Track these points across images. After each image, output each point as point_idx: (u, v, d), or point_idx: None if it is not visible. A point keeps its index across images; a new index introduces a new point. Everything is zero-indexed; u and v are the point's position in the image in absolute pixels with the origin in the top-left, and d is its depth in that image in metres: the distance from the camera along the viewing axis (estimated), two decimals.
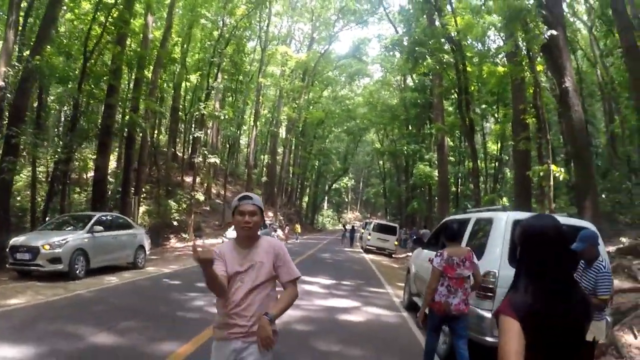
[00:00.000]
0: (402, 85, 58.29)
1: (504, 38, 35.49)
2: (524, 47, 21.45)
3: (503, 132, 36.34)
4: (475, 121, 40.40)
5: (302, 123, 69.52)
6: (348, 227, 50.69)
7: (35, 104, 27.29)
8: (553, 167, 17.19)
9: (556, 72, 17.66)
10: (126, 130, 29.05)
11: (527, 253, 2.45)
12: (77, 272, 13.85)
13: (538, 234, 2.43)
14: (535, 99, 22.41)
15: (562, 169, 18.44)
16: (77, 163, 29.18)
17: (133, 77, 31.37)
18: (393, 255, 34.02)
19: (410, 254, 33.93)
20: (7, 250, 13.86)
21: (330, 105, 70.98)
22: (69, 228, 15.22)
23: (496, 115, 40.26)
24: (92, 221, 15.19)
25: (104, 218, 16.30)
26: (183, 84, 43.91)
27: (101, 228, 15.14)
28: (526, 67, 20.81)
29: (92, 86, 25.48)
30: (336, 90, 76.44)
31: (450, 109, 41.96)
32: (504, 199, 39.26)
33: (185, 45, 41.98)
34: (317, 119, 68.92)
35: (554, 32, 16.73)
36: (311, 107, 67.57)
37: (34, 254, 13.29)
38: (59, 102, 29.60)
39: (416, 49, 28.78)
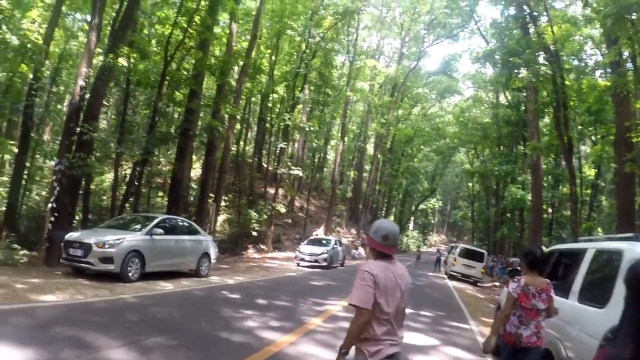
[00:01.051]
0: (494, 102, 56.04)
1: (602, 52, 33.56)
2: (629, 56, 19.58)
3: (601, 155, 33.65)
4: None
5: (390, 140, 68.22)
6: (432, 249, 49.07)
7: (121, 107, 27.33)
8: None
9: None
10: (206, 136, 28.78)
11: (636, 301, 2.22)
12: (130, 274, 13.08)
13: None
14: None
15: None
16: (157, 166, 29.27)
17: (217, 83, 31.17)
18: (478, 284, 31.98)
19: (497, 283, 32.11)
20: (62, 244, 13.39)
21: (420, 123, 69.40)
22: (130, 228, 14.49)
23: (593, 137, 37.72)
24: (153, 223, 14.42)
25: (167, 221, 15.60)
26: (270, 96, 43.61)
27: (161, 231, 14.31)
28: (631, 78, 18.90)
29: (172, 90, 25.21)
30: (426, 107, 75.06)
31: (545, 129, 39.81)
32: (599, 229, 36.50)
33: (272, 57, 41.67)
34: (406, 136, 67.37)
35: None
36: (400, 124, 66.06)
37: (85, 251, 12.70)
38: (144, 106, 29.49)
39: (510, 59, 27.03)
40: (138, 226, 14.51)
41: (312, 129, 39.70)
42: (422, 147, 75.82)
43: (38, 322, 7.60)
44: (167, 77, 23.99)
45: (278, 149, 41.33)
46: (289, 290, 15.36)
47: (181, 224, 16.64)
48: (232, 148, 36.74)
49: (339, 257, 30.77)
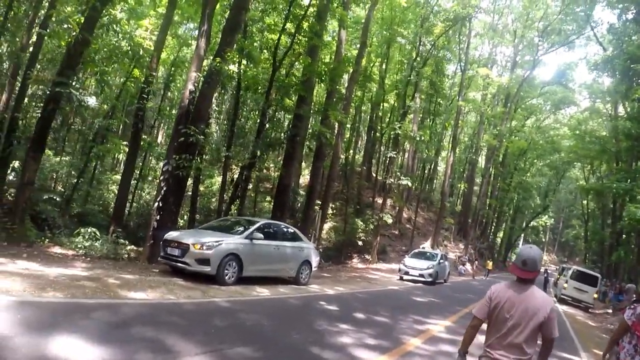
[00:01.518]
0: (613, 114, 52.85)
1: None
2: None
3: None
4: None
5: (503, 152, 66.05)
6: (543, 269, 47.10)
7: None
8: None
9: None
10: (315, 143, 28.74)
11: None
12: (227, 277, 12.84)
13: None
14: None
15: None
16: (266, 172, 29.59)
17: (326, 90, 31.12)
18: (590, 310, 29.92)
19: (609, 310, 29.94)
20: (161, 243, 13.46)
21: (533, 135, 66.67)
22: (231, 231, 14.29)
23: None
24: (254, 227, 14.15)
25: (268, 226, 15.30)
26: (381, 105, 43.25)
27: (261, 235, 14.04)
28: None
29: (281, 96, 25.24)
30: (540, 119, 72.19)
31: None
32: None
33: (383, 65, 41.28)
34: (519, 149, 64.98)
35: None
36: (513, 136, 63.86)
37: (183, 251, 12.60)
38: (253, 112, 29.84)
39: (631, 66, 25.21)
40: (239, 229, 14.30)
41: (422, 138, 38.72)
42: (535, 161, 73.53)
43: (120, 319, 7.39)
44: (276, 83, 24.04)
45: (387, 158, 40.58)
46: (390, 305, 14.72)
47: (284, 229, 16.27)
48: (341, 156, 36.61)
49: (444, 272, 29.31)
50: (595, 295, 31.13)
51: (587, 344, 14.66)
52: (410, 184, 41.48)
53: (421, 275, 25.55)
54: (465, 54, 49.74)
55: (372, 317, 11.77)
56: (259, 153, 23.99)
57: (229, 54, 18.32)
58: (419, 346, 9.42)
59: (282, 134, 26.91)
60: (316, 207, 29.30)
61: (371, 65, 42.02)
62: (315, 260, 16.92)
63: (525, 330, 4.18)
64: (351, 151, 49.92)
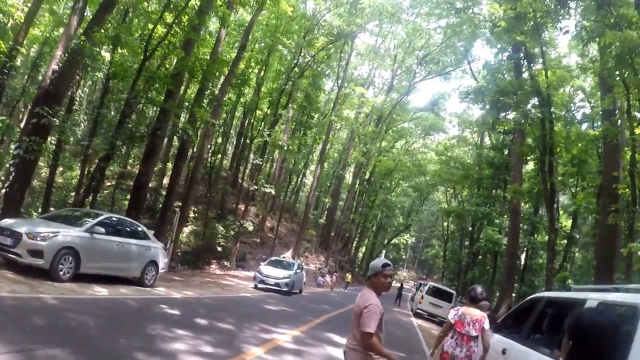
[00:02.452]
0: (479, 143, 55.54)
1: (592, 105, 33.24)
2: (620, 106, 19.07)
3: (582, 205, 32.98)
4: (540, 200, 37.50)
5: (370, 171, 67.47)
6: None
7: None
8: None
9: None
10: (177, 140, 27.60)
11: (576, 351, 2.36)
12: (61, 273, 11.63)
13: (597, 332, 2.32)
14: (632, 165, 19.66)
15: None
16: (130, 168, 28.18)
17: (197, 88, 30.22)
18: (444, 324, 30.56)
19: None
20: None
21: (402, 157, 68.82)
22: (71, 223, 12.90)
23: (574, 189, 37.10)
24: (96, 220, 12.95)
25: (112, 220, 14.13)
26: (254, 112, 42.69)
27: (103, 230, 12.79)
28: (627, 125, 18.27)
29: (148, 87, 23.94)
30: (409, 142, 74.67)
31: (527, 175, 39.26)
32: (569, 280, 35.61)
33: (262, 73, 40.79)
34: (386, 168, 66.59)
35: None
36: (382, 156, 65.28)
37: (15, 241, 11.27)
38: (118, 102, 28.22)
39: (500, 99, 26.25)
40: (80, 222, 13.00)
41: (290, 148, 38.36)
42: (401, 181, 75.84)
43: None
44: (145, 74, 22.82)
45: (254, 165, 39.89)
46: (238, 312, 14.03)
47: (129, 226, 15.04)
48: (207, 158, 35.63)
49: (300, 282, 28.74)
50: (449, 311, 31.92)
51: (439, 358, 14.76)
52: (274, 192, 40.99)
53: (277, 285, 24.48)
54: (344, 70, 50.11)
55: (215, 324, 11.07)
56: (119, 144, 22.62)
57: (96, 33, 17.20)
58: (260, 356, 8.85)
59: (146, 128, 25.44)
60: (176, 208, 28.18)
61: (250, 70, 41.47)
62: (162, 261, 15.84)
63: (353, 325, 4.83)
64: (219, 155, 49.06)
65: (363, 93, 57.12)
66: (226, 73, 30.64)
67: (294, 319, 15.01)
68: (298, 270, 27.68)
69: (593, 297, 5.30)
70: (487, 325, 6.87)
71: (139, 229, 15.36)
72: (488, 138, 50.75)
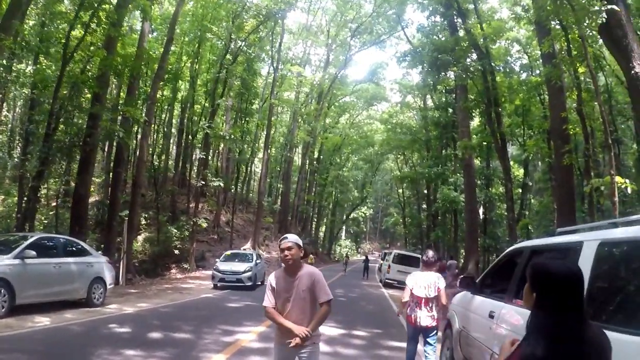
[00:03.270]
0: (422, 105, 55.41)
1: (529, 54, 33.13)
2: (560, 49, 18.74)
3: (530, 154, 32.89)
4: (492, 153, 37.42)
5: (318, 149, 67.11)
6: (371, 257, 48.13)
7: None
8: (618, 179, 13.61)
9: (621, 56, 13.79)
10: (115, 146, 26.24)
11: (541, 299, 2.29)
12: None
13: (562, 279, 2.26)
14: (579, 104, 19.21)
15: (627, 181, 14.75)
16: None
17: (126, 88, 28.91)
18: None
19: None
20: None
21: (347, 131, 68.90)
22: None
23: (520, 139, 37.06)
24: (25, 245, 11.65)
25: (44, 241, 12.87)
26: (192, 106, 41.43)
27: (34, 253, 11.48)
28: (566, 69, 17.85)
29: (73, 94, 22.51)
30: (353, 116, 74.34)
31: (474, 131, 39.00)
32: (529, 227, 35.64)
33: (195, 65, 39.46)
34: (334, 144, 66.57)
35: (615, 7, 13.14)
36: (327, 132, 64.67)
37: None
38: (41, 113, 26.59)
39: (439, 56, 25.59)
40: (7, 248, 11.67)
41: (232, 137, 37.04)
42: (350, 155, 75.43)
43: None
44: (68, 80, 21.46)
45: (196, 160, 38.51)
46: (197, 317, 13.04)
47: (65, 244, 13.76)
48: (154, 161, 34.37)
49: (262, 273, 26.19)
50: None
51: None
52: (222, 184, 39.82)
53: (239, 280, 22.41)
54: (277, 52, 48.90)
55: (170, 335, 10.15)
56: (50, 159, 21.27)
57: (4, 42, 15.86)
58: None
59: (75, 138, 23.89)
60: (125, 217, 26.87)
61: (182, 65, 40.22)
62: (109, 276, 14.70)
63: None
64: (163, 156, 47.63)
65: (300, 72, 56.23)
66: (156, 69, 29.43)
67: (258, 314, 14.03)
68: (258, 261, 25.63)
69: (591, 238, 4.35)
70: (442, 285, 7.28)
71: (78, 246, 14.16)
72: (431, 100, 50.39)
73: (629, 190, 13.17)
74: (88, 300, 13.47)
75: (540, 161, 38.75)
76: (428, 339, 7.35)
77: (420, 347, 7.66)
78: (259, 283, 24.52)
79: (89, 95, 24.40)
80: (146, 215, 37.76)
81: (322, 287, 4.68)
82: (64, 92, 21.96)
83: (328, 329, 11.06)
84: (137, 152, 32.38)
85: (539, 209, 38.01)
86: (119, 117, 25.59)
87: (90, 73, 23.42)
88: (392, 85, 63.48)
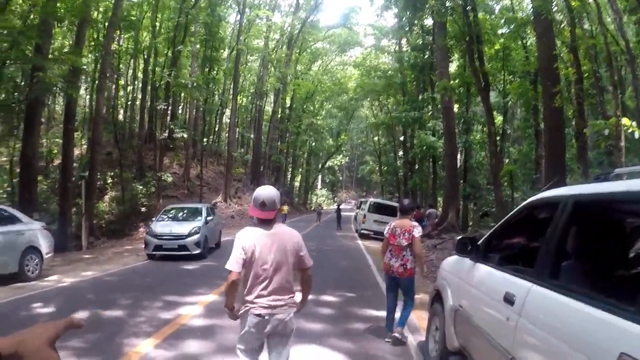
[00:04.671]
0: (397, 48, 52.76)
1: None
2: None
3: (514, 97, 31.44)
4: (471, 96, 35.93)
5: (290, 97, 65.11)
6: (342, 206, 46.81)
7: None
8: (625, 120, 12.03)
9: None
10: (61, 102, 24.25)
11: None
12: None
13: None
14: (573, 40, 17.70)
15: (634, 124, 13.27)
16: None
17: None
18: None
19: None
20: None
21: (320, 77, 67.00)
22: None
23: (499, 85, 35.36)
24: None
25: None
26: (153, 56, 39.41)
27: None
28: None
29: (10, 46, 20.39)
30: (326, 62, 72.46)
31: (454, 69, 37.39)
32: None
33: (157, 14, 37.33)
34: (306, 92, 64.57)
35: None
36: (300, 79, 62.58)
37: None
38: None
39: None
40: None
41: (195, 84, 34.84)
42: (324, 103, 73.49)
43: None
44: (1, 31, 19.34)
45: (161, 111, 36.48)
46: (141, 286, 11.37)
47: None
48: (119, 117, 32.53)
49: (217, 233, 20.18)
50: None
51: None
52: (186, 136, 37.84)
53: (182, 247, 16.36)
54: None
55: (98, 314, 8.52)
56: None
57: None
58: (146, 354, 6.45)
59: (14, 94, 21.79)
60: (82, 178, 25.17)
61: (143, 15, 38.10)
62: (45, 244, 12.81)
63: (285, 267, 4.23)
64: (127, 111, 45.78)
65: (269, 16, 54.17)
66: (110, 16, 27.45)
67: (214, 277, 12.43)
68: (209, 217, 18.92)
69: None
70: (417, 233, 7.23)
71: (4, 213, 12.30)
72: (406, 43, 48.20)
73: (636, 135, 11.54)
74: (20, 273, 11.74)
75: (521, 108, 37.70)
76: (403, 289, 7.50)
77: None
78: (213, 246, 19.06)
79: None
80: (111, 174, 36.32)
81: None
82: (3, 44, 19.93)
83: None
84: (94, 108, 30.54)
85: (518, 157, 36.62)
86: (69, 69, 23.55)
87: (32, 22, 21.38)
88: (366, 30, 62.09)
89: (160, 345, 6.83)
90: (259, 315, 4.11)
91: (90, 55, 34.57)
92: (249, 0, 49.33)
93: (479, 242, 5.33)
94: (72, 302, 9.49)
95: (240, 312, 4.24)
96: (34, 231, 12.49)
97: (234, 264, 4.07)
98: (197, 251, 16.46)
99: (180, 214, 19.10)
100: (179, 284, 11.73)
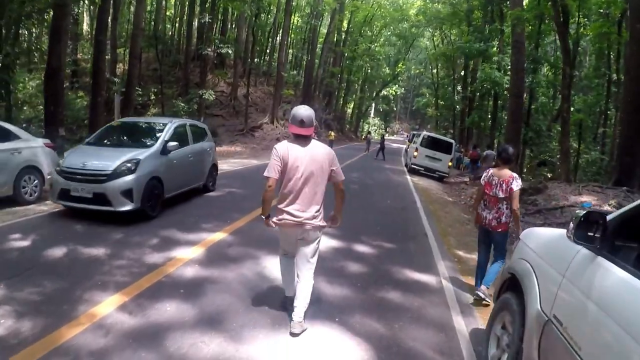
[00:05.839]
0: None
1: None
2: None
3: (574, 48, 28.39)
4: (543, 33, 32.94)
5: (347, 19, 61.96)
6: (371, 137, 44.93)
7: None
8: None
9: None
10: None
11: None
12: None
13: None
14: None
15: None
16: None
17: None
18: (445, 180, 26.76)
19: (466, 179, 27.06)
20: None
21: (381, 1, 63.21)
22: None
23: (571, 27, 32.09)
24: None
25: None
26: None
27: None
28: None
29: None
30: None
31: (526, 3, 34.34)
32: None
33: None
34: (364, 15, 61.59)
35: None
36: (359, 1, 59.42)
37: None
38: None
39: None
40: None
41: None
42: (383, 29, 69.86)
43: None
44: None
45: (206, 25, 34.42)
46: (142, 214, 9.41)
47: None
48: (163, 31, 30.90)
49: (203, 165, 12.87)
50: (450, 164, 28.18)
51: (446, 240, 10.51)
52: (231, 52, 35.83)
53: (99, 198, 9.09)
54: None
55: (75, 253, 7.00)
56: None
57: None
58: (101, 319, 4.89)
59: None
60: (112, 92, 23.80)
61: None
62: (47, 163, 10.91)
63: (315, 180, 4.77)
64: (176, 26, 44.20)
65: None
66: None
67: (232, 210, 10.84)
68: (173, 143, 10.83)
69: None
70: (515, 186, 6.56)
71: (4, 127, 10.55)
72: None
73: None
74: (16, 196, 10.13)
75: (590, 55, 35.31)
76: (494, 244, 6.96)
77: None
78: (174, 194, 11.12)
79: None
80: (155, 90, 35.21)
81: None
82: None
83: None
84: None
85: (582, 107, 33.75)
86: None
87: None
88: None
89: (125, 307, 5.22)
90: (288, 223, 4.81)
91: None
92: None
93: (606, 222, 3.28)
94: (54, 236, 7.86)
95: (274, 220, 4.89)
96: (34, 149, 10.70)
97: (271, 171, 4.65)
98: (126, 207, 9.09)
99: (126, 135, 11.57)
100: (193, 215, 10.08)
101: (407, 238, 10.23)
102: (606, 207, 12.39)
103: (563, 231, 3.88)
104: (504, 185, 6.57)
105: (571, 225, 3.50)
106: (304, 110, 4.76)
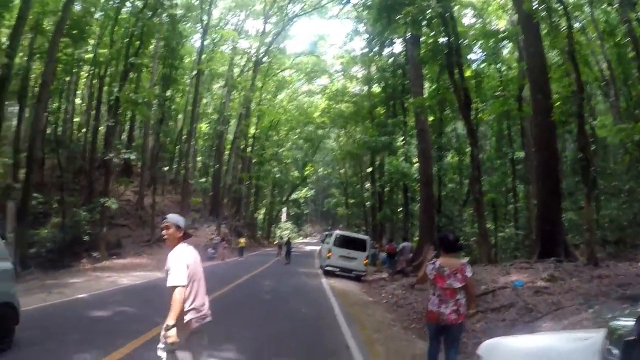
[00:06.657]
0: (366, 73, 50.45)
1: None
2: None
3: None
4: (444, 121, 34.31)
5: (254, 124, 62.98)
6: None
7: None
8: None
9: None
10: None
11: None
12: None
13: None
14: (571, 46, 15.47)
15: None
16: None
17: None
18: (362, 279, 25.67)
19: (384, 275, 26.19)
20: None
21: (286, 106, 66.15)
22: None
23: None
24: None
25: None
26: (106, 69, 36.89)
27: None
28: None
29: None
30: (294, 90, 70.88)
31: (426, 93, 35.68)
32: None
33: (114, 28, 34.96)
34: (270, 120, 63.99)
35: None
36: (264, 106, 60.67)
37: None
38: None
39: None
40: None
41: (145, 100, 31.88)
42: (289, 133, 71.89)
43: None
44: None
45: (107, 129, 33.42)
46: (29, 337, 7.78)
47: None
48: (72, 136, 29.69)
49: None
50: (366, 261, 26.95)
51: (372, 354, 9.02)
52: (133, 157, 34.53)
53: None
54: (208, 14, 44.34)
55: None
56: None
57: None
58: None
59: None
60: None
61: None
62: None
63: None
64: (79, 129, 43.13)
65: (234, 37, 52.28)
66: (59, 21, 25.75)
67: (131, 328, 8.73)
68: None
69: None
70: (469, 273, 6.40)
71: None
72: (376, 69, 46.26)
73: None
74: None
75: (491, 138, 37.33)
76: (449, 338, 6.45)
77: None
78: None
79: None
80: (58, 198, 33.28)
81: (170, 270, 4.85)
82: None
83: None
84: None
85: (488, 188, 34.71)
86: None
87: None
88: (334, 57, 61.25)
89: None
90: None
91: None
92: (213, 22, 47.31)
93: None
94: None
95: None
96: None
97: (183, 278, 4.74)
98: None
99: None
100: (79, 342, 8.16)
101: (327, 355, 8.89)
102: (539, 283, 12.19)
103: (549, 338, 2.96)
104: (458, 274, 6.32)
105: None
106: (167, 217, 5.21)
